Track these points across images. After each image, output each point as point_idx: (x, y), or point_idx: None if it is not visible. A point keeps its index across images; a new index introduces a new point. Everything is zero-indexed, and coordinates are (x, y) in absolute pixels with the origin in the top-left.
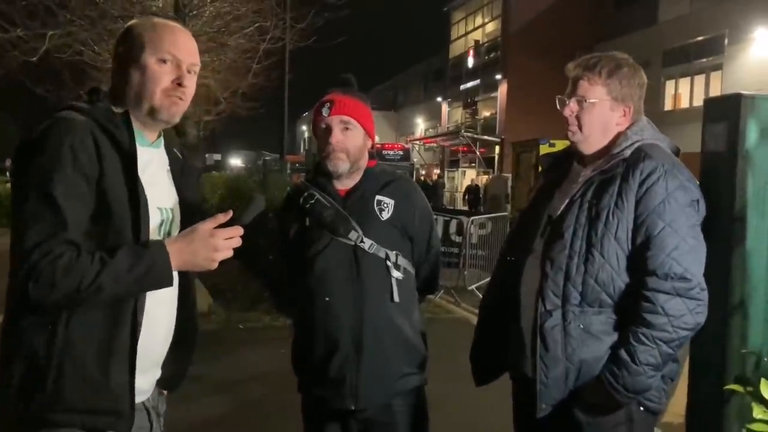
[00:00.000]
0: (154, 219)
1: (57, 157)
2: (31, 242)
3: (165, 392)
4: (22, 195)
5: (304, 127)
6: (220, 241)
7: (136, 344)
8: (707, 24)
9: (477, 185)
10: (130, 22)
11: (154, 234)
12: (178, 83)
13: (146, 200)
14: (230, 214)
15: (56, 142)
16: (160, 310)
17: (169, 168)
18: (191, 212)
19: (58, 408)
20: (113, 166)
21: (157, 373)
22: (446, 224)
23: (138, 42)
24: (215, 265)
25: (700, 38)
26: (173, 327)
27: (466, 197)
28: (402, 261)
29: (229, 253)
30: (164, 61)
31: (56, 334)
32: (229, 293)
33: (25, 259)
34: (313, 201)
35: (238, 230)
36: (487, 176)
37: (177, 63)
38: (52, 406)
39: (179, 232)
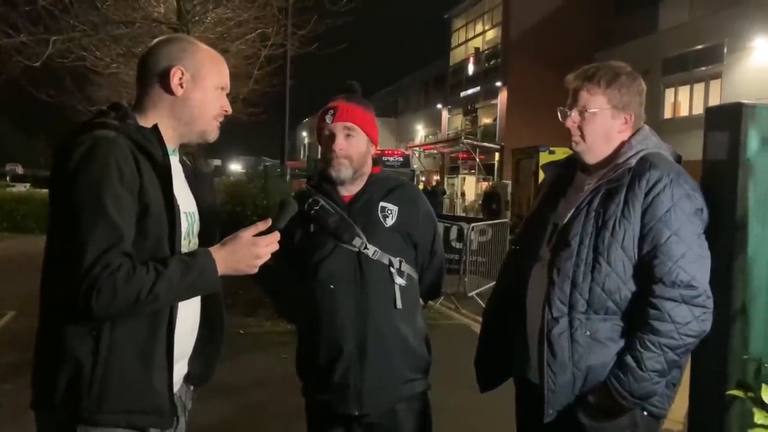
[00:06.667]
0: (183, 225)
1: (106, 174)
2: (90, 256)
3: (192, 387)
4: (73, 212)
5: (305, 133)
6: (261, 249)
7: (173, 345)
8: (707, 32)
9: (498, 192)
10: (184, 42)
11: (182, 239)
12: (224, 109)
13: (179, 209)
14: (269, 222)
15: (103, 160)
16: (184, 304)
17: (183, 174)
18: (210, 216)
19: (103, 410)
20: (150, 179)
21: (185, 367)
22: (446, 230)
23: (203, 68)
24: (256, 270)
25: (699, 46)
26: (198, 321)
27: (490, 206)
28: (406, 267)
29: (268, 257)
30: (222, 89)
31: (100, 341)
32: (229, 298)
33: (86, 274)
34: (317, 207)
35: (276, 236)
36: (486, 183)
37: (226, 92)
38: (98, 408)
39: (199, 235)
